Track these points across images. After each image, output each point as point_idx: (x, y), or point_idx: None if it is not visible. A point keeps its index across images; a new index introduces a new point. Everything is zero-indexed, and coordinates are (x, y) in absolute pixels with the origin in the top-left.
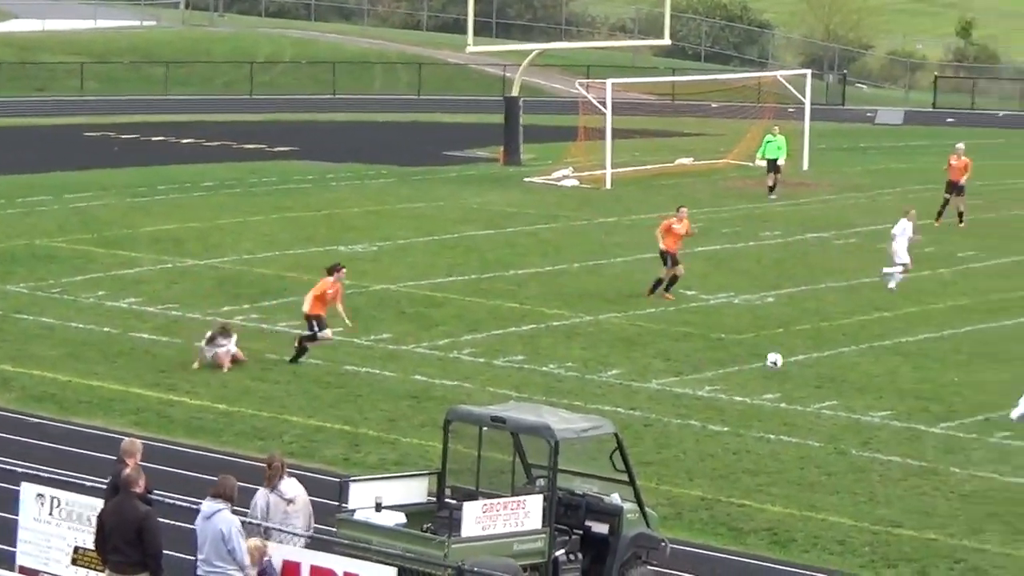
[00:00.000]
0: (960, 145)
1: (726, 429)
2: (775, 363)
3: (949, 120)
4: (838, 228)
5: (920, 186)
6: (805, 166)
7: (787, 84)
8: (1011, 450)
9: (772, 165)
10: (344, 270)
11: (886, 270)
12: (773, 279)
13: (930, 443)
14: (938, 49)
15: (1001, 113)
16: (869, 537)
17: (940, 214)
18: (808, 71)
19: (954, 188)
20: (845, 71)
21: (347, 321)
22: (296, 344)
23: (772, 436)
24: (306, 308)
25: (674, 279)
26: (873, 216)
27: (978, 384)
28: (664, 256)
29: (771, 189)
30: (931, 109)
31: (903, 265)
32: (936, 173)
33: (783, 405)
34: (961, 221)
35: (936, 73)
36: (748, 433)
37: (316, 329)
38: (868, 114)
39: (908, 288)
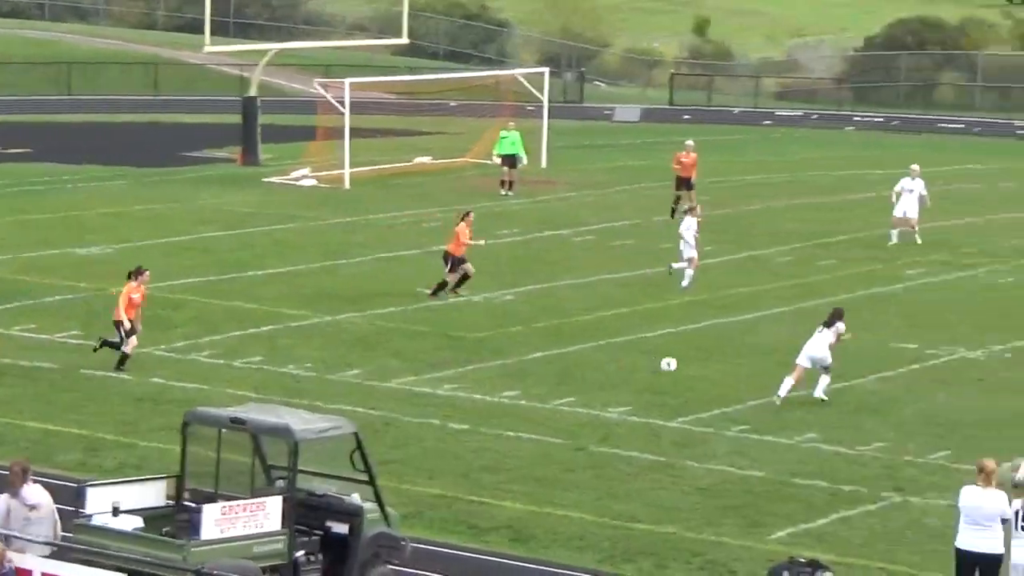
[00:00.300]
0: (689, 142)
1: (465, 427)
2: (669, 364)
3: (686, 117)
4: (576, 225)
5: (657, 183)
6: (544, 164)
7: (526, 82)
8: (747, 443)
9: (508, 160)
10: (147, 273)
11: (675, 265)
12: (512, 277)
13: (667, 438)
14: (674, 47)
15: (737, 110)
16: (608, 532)
17: (674, 211)
18: (546, 69)
19: (684, 184)
20: (583, 69)
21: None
22: (99, 345)
23: (511, 433)
24: (117, 315)
25: (465, 277)
26: (611, 213)
27: (714, 378)
28: (447, 258)
29: (509, 185)
30: (668, 106)
31: (689, 260)
32: (669, 170)
33: (522, 402)
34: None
35: (672, 71)
36: (487, 431)
37: (124, 336)
38: (606, 112)
39: (645, 284)
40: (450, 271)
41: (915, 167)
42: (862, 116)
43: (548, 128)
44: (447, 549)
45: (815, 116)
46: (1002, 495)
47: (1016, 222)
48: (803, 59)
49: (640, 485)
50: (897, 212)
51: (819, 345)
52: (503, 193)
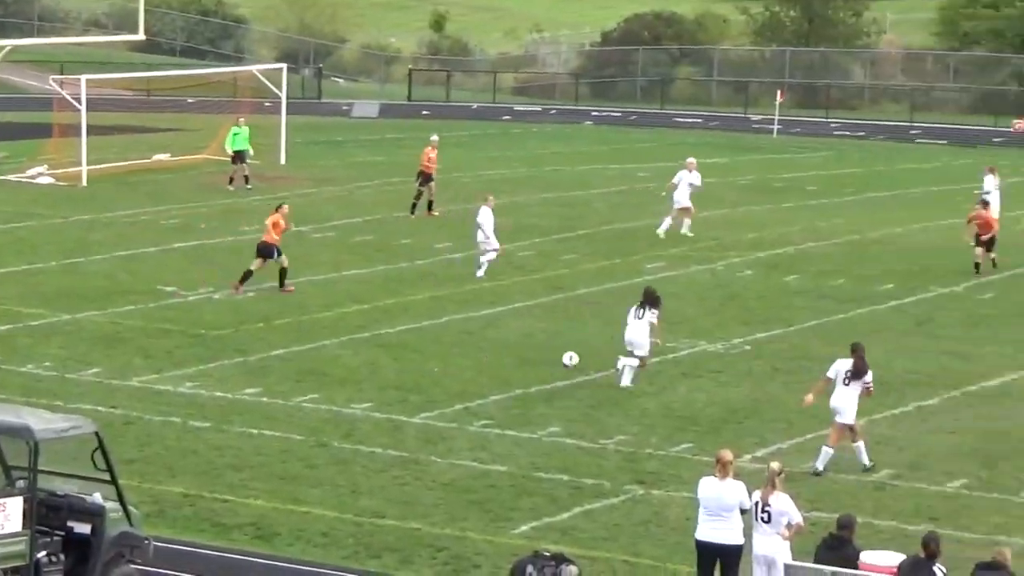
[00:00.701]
0: (435, 137)
1: (208, 425)
2: (571, 358)
3: (424, 113)
4: (316, 222)
5: (398, 178)
6: (283, 160)
7: (263, 79)
8: (490, 438)
9: (238, 156)
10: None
11: (483, 259)
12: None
13: (411, 433)
14: (412, 42)
15: (475, 105)
16: (353, 528)
17: (415, 206)
18: (284, 65)
19: (426, 179)
20: (321, 65)
21: None
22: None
23: (254, 431)
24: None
25: (283, 271)
26: (351, 210)
27: (456, 373)
28: (264, 248)
29: (244, 180)
30: (406, 102)
31: (495, 250)
32: (414, 166)
33: (264, 399)
34: (431, 210)
35: (411, 66)
36: (230, 428)
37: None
38: (344, 108)
39: (385, 279)
40: (262, 260)
41: (691, 160)
42: (600, 111)
43: (287, 124)
44: (191, 548)
45: (553, 111)
46: (740, 485)
47: (753, 215)
48: (541, 54)
49: (384, 481)
50: (676, 204)
51: (637, 330)
52: (230, 188)
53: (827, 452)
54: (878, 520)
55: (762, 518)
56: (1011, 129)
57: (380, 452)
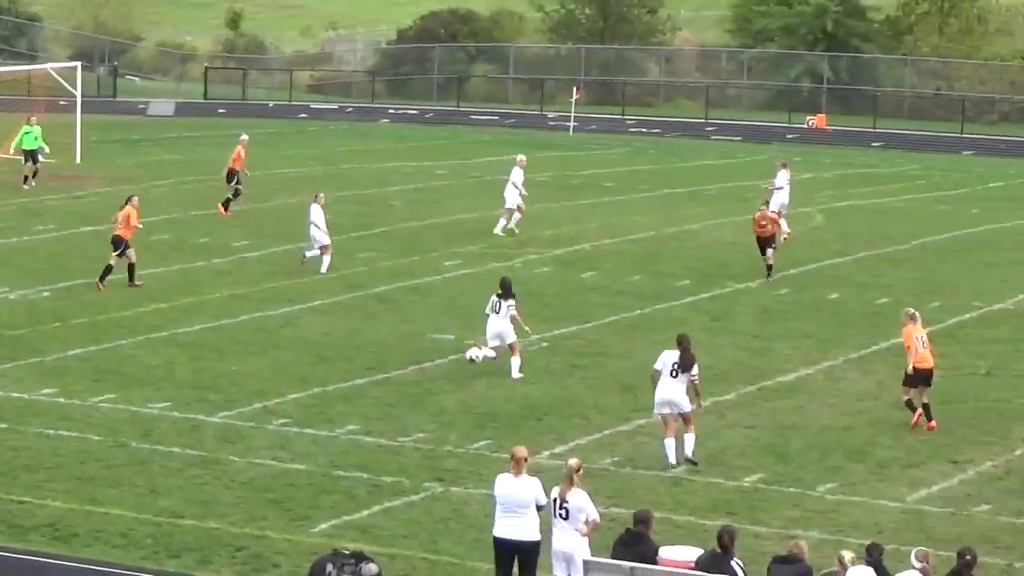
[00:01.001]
0: (244, 136)
1: (4, 426)
2: (475, 357)
3: (221, 111)
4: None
5: (194, 177)
6: (78, 159)
7: (58, 77)
8: (289, 436)
9: (30, 155)
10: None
11: (308, 253)
12: (49, 273)
13: (209, 432)
14: (207, 40)
15: (271, 103)
16: (152, 529)
17: (227, 205)
18: (78, 63)
19: (234, 176)
20: (116, 63)
21: None
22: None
23: (51, 431)
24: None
25: (131, 267)
26: (147, 208)
27: (255, 372)
28: (117, 241)
29: (28, 179)
30: (203, 100)
31: (324, 247)
32: (211, 164)
33: (61, 400)
34: (227, 209)
35: (206, 64)
36: (27, 429)
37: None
38: (140, 106)
39: (183, 278)
40: (119, 255)
41: (522, 157)
42: (396, 109)
43: (82, 123)
44: None
45: (350, 109)
46: (535, 481)
47: (550, 212)
48: (337, 52)
49: (183, 481)
50: (508, 204)
51: (500, 323)
52: (25, 188)
53: (670, 444)
54: (676, 515)
55: (560, 514)
56: (805, 125)
57: (179, 452)
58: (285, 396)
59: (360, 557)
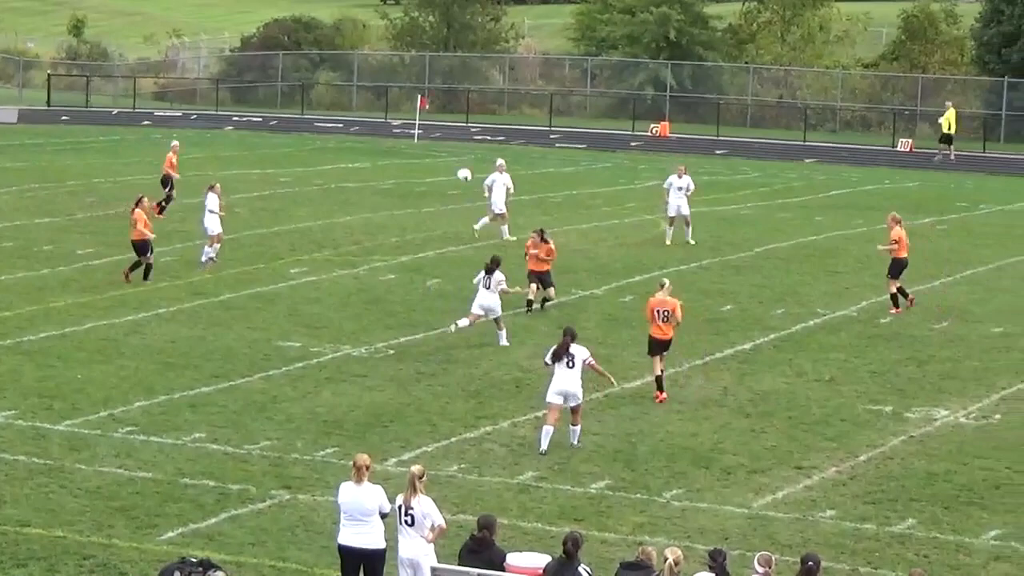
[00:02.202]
0: (175, 142)
1: None
2: (465, 177)
3: (64, 118)
4: None
5: (38, 184)
6: None
7: None
8: (135, 444)
9: None
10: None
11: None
12: None
13: (55, 441)
14: (50, 47)
15: (115, 111)
16: None
17: (162, 208)
18: None
19: (168, 181)
20: None
21: None
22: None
23: None
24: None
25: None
26: None
27: (101, 380)
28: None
29: None
30: (46, 107)
31: (217, 235)
32: (56, 171)
33: None
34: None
35: (49, 71)
36: None
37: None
38: None
39: (26, 286)
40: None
41: (501, 162)
42: (241, 116)
43: None
44: None
45: (194, 116)
46: (378, 489)
47: (395, 219)
48: (181, 59)
49: (28, 489)
50: (494, 208)
51: (489, 297)
52: None
53: (549, 431)
54: (523, 522)
55: (406, 521)
56: (649, 133)
57: (24, 460)
58: (131, 404)
59: (208, 565)
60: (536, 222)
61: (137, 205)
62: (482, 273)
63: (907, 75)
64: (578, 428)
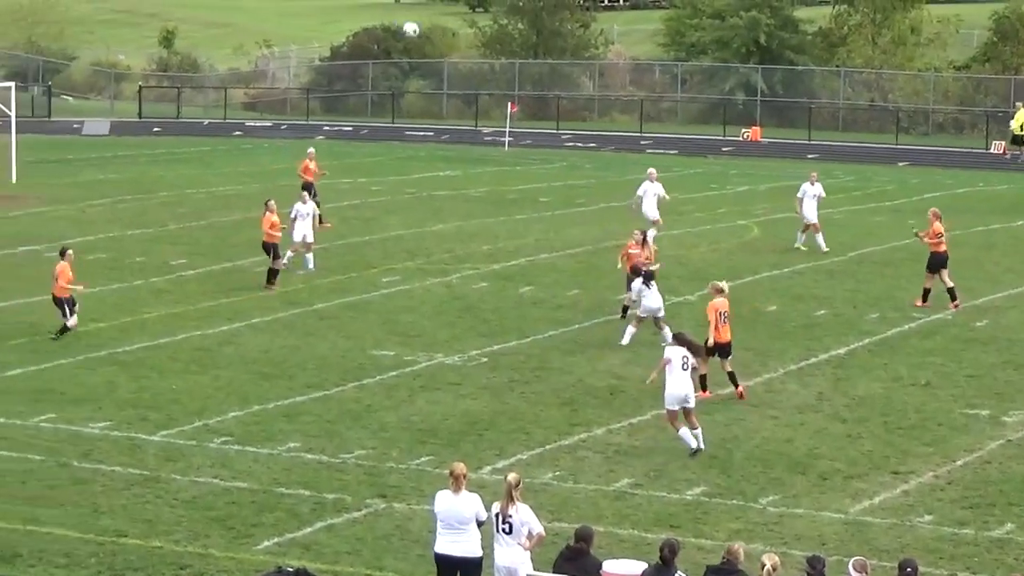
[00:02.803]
0: (311, 149)
1: None
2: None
3: (156, 130)
4: (49, 241)
5: (131, 196)
6: (13, 179)
7: None
8: (231, 454)
9: None
10: (70, 252)
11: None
12: None
13: (151, 451)
14: (141, 59)
15: (206, 121)
16: (95, 548)
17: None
18: (12, 84)
19: (309, 189)
20: (50, 83)
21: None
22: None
23: None
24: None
25: (273, 272)
26: (83, 228)
27: (195, 391)
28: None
29: None
30: (137, 119)
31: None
32: (148, 183)
33: (1, 420)
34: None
35: (140, 83)
36: None
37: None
38: (75, 125)
39: (120, 297)
40: (274, 258)
41: (652, 171)
42: (331, 125)
43: (16, 143)
44: None
45: (284, 126)
46: (475, 497)
47: (486, 227)
48: (271, 69)
49: (125, 500)
50: (652, 216)
51: (655, 298)
52: None
53: (687, 432)
54: (619, 529)
55: (503, 529)
56: (740, 138)
57: (120, 471)
58: (226, 414)
59: (304, 574)
60: (629, 228)
61: (266, 209)
62: (639, 280)
63: (999, 76)
64: (699, 431)
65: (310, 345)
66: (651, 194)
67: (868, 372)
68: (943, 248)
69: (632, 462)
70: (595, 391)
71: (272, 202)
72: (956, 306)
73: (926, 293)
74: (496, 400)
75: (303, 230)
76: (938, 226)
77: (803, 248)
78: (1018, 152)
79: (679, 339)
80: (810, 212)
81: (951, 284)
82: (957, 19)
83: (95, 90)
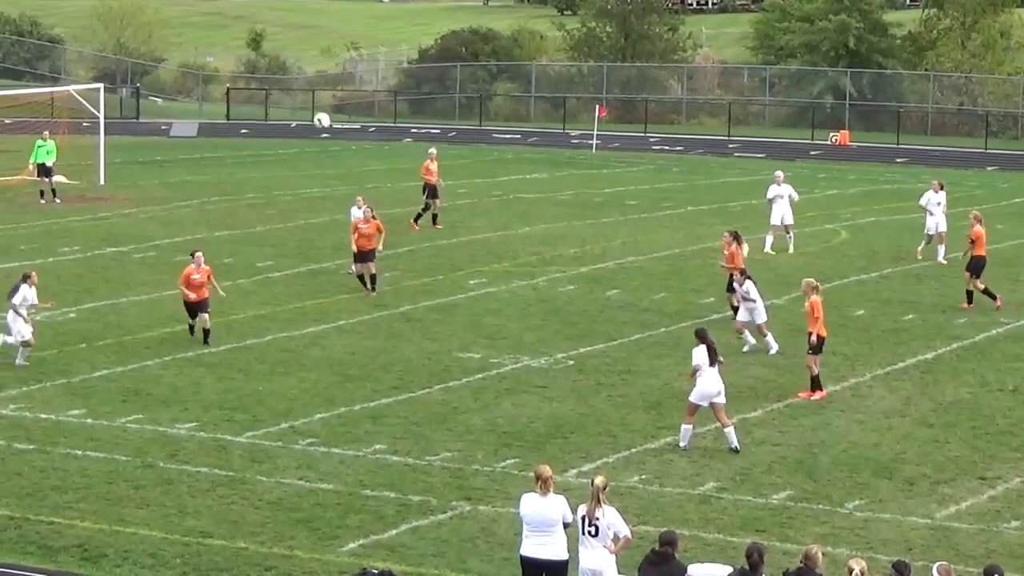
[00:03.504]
0: (432, 150)
1: (32, 447)
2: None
3: (243, 131)
4: (137, 242)
5: (217, 197)
6: (102, 180)
7: (81, 99)
8: (316, 456)
9: (44, 170)
10: (199, 253)
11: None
12: (74, 295)
13: (236, 452)
14: (229, 61)
15: (294, 123)
16: (180, 549)
17: (419, 216)
18: (101, 85)
19: (432, 192)
20: (138, 84)
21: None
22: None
23: (79, 452)
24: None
25: (373, 277)
26: (171, 229)
27: (281, 392)
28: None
29: (52, 194)
30: (225, 121)
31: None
32: (235, 184)
33: (89, 421)
34: (436, 223)
35: (228, 85)
36: (55, 450)
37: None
38: (163, 127)
39: (215, 299)
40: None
41: (779, 173)
42: (419, 128)
43: (105, 144)
44: (17, 571)
45: (372, 128)
46: (561, 500)
47: (573, 230)
48: (358, 72)
49: (210, 501)
50: (786, 220)
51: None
52: (42, 203)
53: (689, 429)
54: (705, 533)
55: (589, 532)
56: (828, 142)
57: (206, 472)
58: (311, 416)
59: None
60: (716, 232)
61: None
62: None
63: None
64: (732, 429)
65: (396, 347)
66: (784, 198)
67: (955, 377)
68: (981, 252)
69: (718, 466)
70: (681, 395)
71: (370, 212)
72: (968, 305)
73: (969, 294)
74: (582, 403)
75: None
76: (978, 229)
77: (944, 262)
78: None
79: (702, 337)
80: (935, 221)
81: (983, 287)
82: None
83: (183, 92)
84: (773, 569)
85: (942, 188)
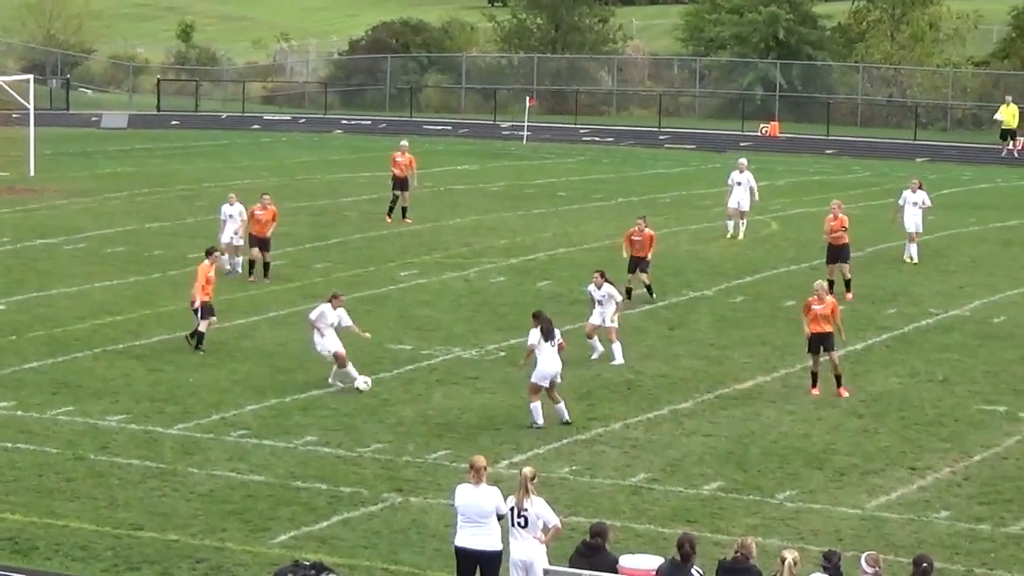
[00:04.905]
0: (404, 142)
1: None
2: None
3: (174, 123)
4: (67, 234)
5: (147, 189)
6: (32, 172)
7: (10, 90)
8: (247, 448)
9: None
10: (216, 253)
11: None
12: (4, 286)
13: (167, 444)
14: (159, 53)
15: (224, 115)
16: (111, 541)
17: (391, 210)
18: (31, 76)
19: (400, 185)
20: (69, 76)
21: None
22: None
23: (9, 444)
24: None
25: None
26: (101, 221)
27: (212, 384)
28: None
29: None
30: (156, 112)
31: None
32: (165, 176)
33: (19, 413)
34: (405, 216)
35: (159, 76)
36: None
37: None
38: (93, 119)
39: (138, 291)
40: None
41: (743, 160)
42: (349, 119)
43: (35, 136)
44: None
45: (303, 120)
46: (495, 491)
47: (504, 222)
48: (289, 63)
49: (141, 493)
50: (743, 207)
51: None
52: None
53: (538, 407)
54: (636, 524)
55: (519, 523)
56: (758, 133)
57: (137, 464)
58: (242, 407)
59: (320, 568)
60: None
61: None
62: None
63: (1018, 73)
64: (562, 405)
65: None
66: (744, 185)
67: (885, 368)
68: (845, 240)
69: (649, 457)
70: (612, 385)
71: (267, 197)
72: (850, 298)
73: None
74: (513, 394)
75: (230, 233)
76: (843, 218)
77: (911, 260)
78: (1006, 146)
79: (538, 318)
80: (911, 221)
81: (848, 277)
82: (976, 15)
83: (113, 83)
84: (705, 560)
85: (921, 187)
